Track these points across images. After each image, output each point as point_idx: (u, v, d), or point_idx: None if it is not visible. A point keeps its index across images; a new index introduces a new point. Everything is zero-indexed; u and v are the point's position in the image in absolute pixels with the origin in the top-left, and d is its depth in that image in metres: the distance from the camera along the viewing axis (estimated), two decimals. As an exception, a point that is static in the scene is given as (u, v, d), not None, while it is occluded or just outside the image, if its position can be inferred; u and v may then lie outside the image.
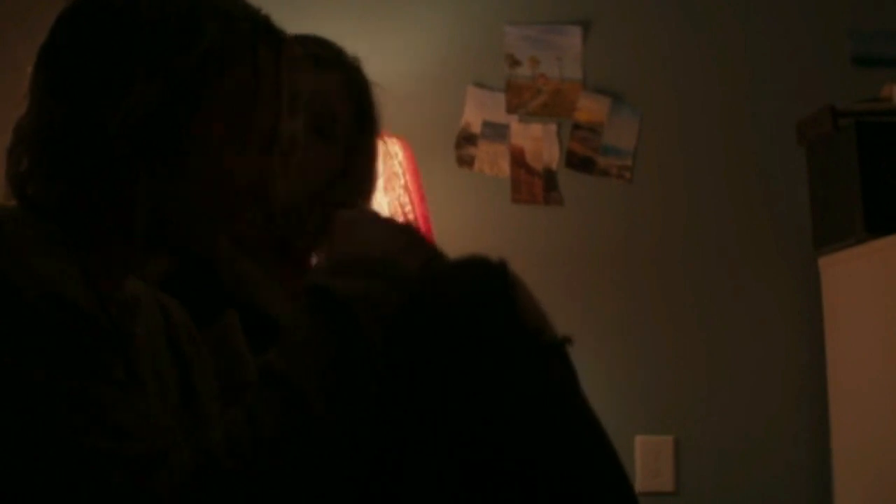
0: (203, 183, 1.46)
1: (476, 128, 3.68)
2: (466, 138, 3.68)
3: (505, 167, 3.68)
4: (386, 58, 3.68)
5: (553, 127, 3.69)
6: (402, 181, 3.11)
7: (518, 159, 3.68)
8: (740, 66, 3.72)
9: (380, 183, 3.06)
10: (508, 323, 1.60)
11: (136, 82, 1.39)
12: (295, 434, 1.34)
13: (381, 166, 3.09)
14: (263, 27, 1.55)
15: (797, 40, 3.73)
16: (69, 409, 1.25)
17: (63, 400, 1.25)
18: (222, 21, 1.47)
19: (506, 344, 1.57)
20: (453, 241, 3.50)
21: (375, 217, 1.65)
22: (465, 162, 3.68)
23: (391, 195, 3.07)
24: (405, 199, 3.09)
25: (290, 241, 1.81)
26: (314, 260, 1.80)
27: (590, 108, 3.69)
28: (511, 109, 3.69)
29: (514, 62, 3.69)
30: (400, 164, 3.14)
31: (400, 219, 3.05)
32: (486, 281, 1.62)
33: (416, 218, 3.11)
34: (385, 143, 3.12)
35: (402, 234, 1.61)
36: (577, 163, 3.68)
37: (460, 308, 1.56)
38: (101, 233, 1.44)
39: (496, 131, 3.68)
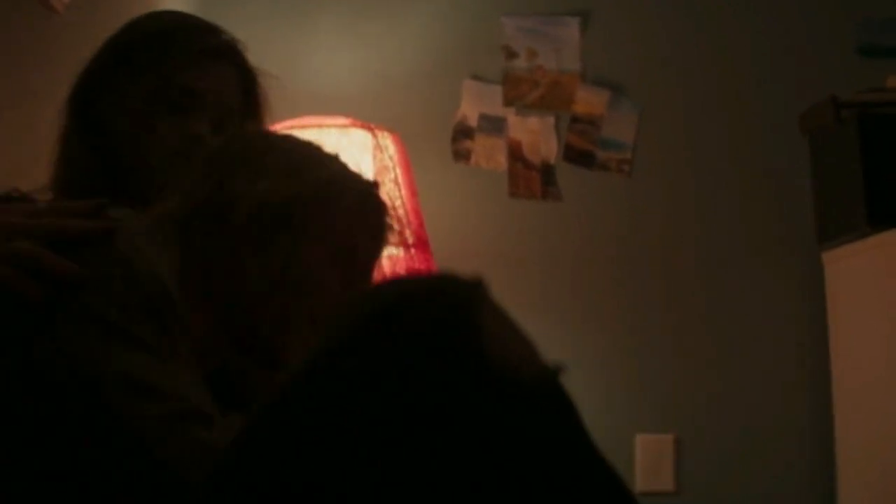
0: (298, 288, 1.59)
1: (472, 121, 3.62)
2: (463, 132, 3.62)
3: (502, 161, 3.62)
4: (380, 50, 3.64)
5: (551, 120, 3.62)
6: (393, 175, 3.05)
7: (515, 153, 3.61)
8: (742, 57, 3.66)
9: (369, 176, 3.01)
10: (471, 359, 1.20)
11: (267, 178, 1.59)
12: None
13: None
14: (364, 197, 1.72)
15: (801, 30, 3.66)
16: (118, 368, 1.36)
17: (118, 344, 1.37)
18: (333, 174, 1.68)
19: (469, 385, 1.19)
20: (449, 236, 3.47)
21: None
22: (462, 156, 3.62)
23: (380, 189, 3.00)
24: (395, 194, 3.03)
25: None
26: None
27: (588, 100, 3.62)
28: (508, 102, 3.63)
29: (511, 54, 3.63)
30: (391, 157, 3.07)
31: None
32: (446, 309, 1.24)
33: (406, 213, 3.05)
34: (376, 136, 3.07)
35: None
36: (576, 157, 3.62)
37: (411, 348, 1.22)
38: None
39: (493, 124, 3.62)
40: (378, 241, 1.74)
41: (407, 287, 1.29)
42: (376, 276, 1.76)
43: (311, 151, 1.70)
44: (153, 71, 1.77)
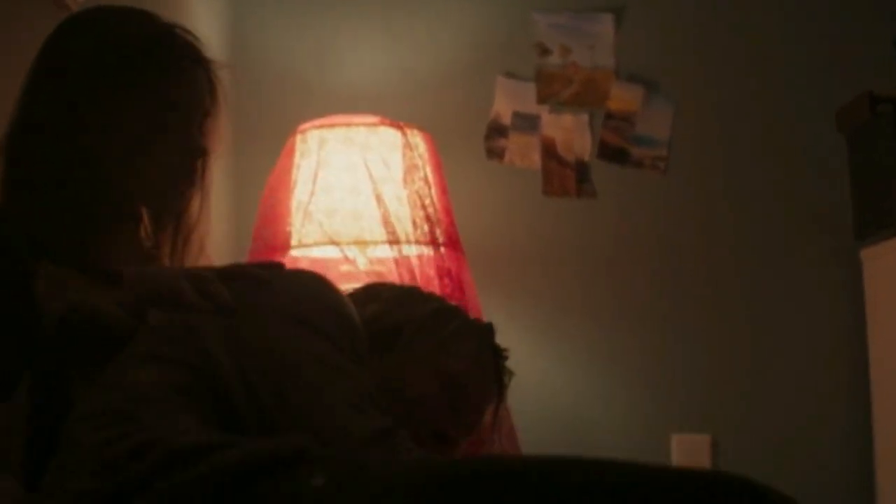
0: (401, 396, 1.76)
1: (506, 119, 3.59)
2: (496, 130, 3.60)
3: (536, 159, 3.59)
4: (412, 48, 3.62)
5: (585, 117, 3.59)
6: (423, 173, 3.03)
7: (549, 151, 3.59)
8: (778, 52, 3.61)
9: (398, 175, 3.00)
10: None
11: (378, 303, 1.81)
12: None
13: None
14: (474, 333, 1.89)
15: (837, 25, 3.61)
16: None
17: None
18: None
19: None
20: (483, 235, 3.46)
21: None
22: (495, 154, 3.59)
23: (410, 188, 2.99)
24: (425, 192, 3.01)
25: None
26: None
27: (623, 97, 3.59)
28: (542, 99, 3.60)
29: (545, 51, 3.60)
30: (420, 156, 3.05)
31: (419, 211, 2.97)
32: None
33: (436, 211, 3.03)
34: (406, 134, 3.05)
35: None
36: (610, 154, 3.59)
37: None
38: None
39: (527, 122, 3.59)
40: (489, 377, 1.84)
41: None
42: None
43: (421, 291, 1.88)
44: (142, 86, 1.75)
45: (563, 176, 3.58)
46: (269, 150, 3.19)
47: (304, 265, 3.13)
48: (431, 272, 3.00)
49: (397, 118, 3.13)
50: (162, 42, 1.78)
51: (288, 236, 3.02)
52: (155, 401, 1.43)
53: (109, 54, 1.75)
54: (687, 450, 3.47)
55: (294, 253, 3.07)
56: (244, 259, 3.13)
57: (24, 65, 1.99)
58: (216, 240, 3.33)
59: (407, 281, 2.94)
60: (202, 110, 1.82)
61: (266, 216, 3.09)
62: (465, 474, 1.29)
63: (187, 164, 1.81)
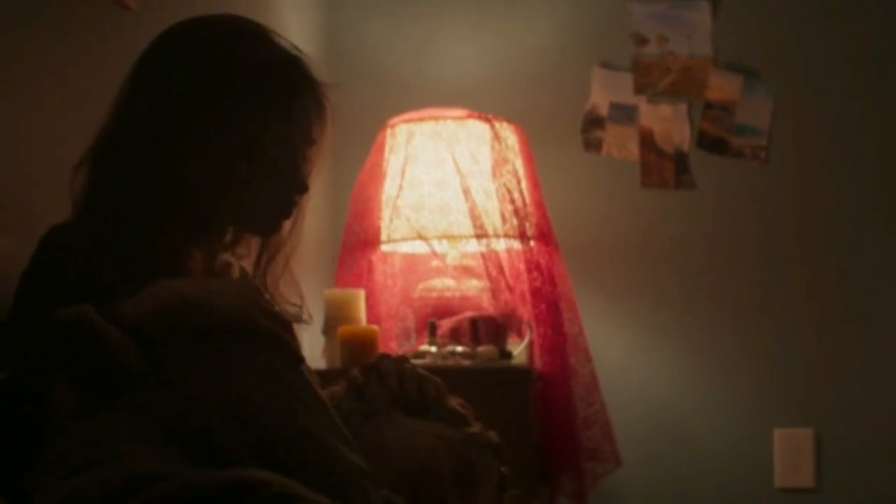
0: None
1: (603, 110, 3.55)
2: (593, 121, 3.56)
3: (634, 150, 3.54)
4: (507, 40, 3.60)
5: (683, 107, 3.53)
6: (511, 166, 3.01)
7: (647, 141, 3.54)
8: (881, 38, 3.51)
9: (487, 168, 2.98)
10: None
11: None
12: None
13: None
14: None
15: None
16: None
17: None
18: None
19: None
20: (580, 228, 3.43)
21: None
22: (592, 145, 3.55)
23: (498, 181, 2.97)
24: (513, 185, 2.99)
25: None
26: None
27: (721, 86, 3.52)
28: (639, 90, 3.55)
29: (641, 40, 3.55)
30: (510, 148, 3.03)
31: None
32: None
33: (526, 204, 3.00)
34: (494, 127, 3.04)
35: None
36: (710, 144, 3.52)
37: None
38: None
39: (624, 113, 3.55)
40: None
41: None
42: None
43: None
44: (248, 117, 1.69)
45: (662, 167, 3.53)
46: (364, 144, 3.19)
47: (395, 261, 3.15)
48: (521, 266, 2.98)
49: (492, 111, 3.11)
50: (273, 70, 1.72)
51: (378, 231, 3.03)
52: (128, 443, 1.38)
53: (217, 80, 1.69)
54: (790, 444, 3.41)
55: (384, 248, 3.08)
56: (337, 255, 3.15)
57: (83, 63, 2.00)
58: (312, 235, 3.35)
59: (494, 275, 2.93)
60: (309, 140, 1.77)
61: (356, 211, 3.10)
62: None
63: (290, 200, 1.76)
